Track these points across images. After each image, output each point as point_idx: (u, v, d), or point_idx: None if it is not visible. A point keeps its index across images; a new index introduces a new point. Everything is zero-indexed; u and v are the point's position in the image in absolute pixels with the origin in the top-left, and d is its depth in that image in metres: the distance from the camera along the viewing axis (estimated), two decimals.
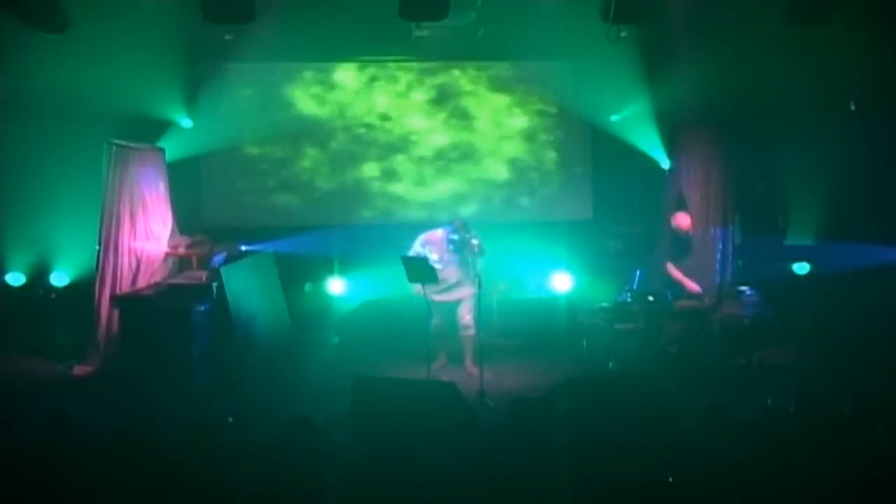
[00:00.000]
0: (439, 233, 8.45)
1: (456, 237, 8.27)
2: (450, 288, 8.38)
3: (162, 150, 9.60)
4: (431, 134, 10.99)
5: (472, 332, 8.36)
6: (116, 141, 8.61)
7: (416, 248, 8.41)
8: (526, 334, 9.56)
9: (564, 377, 7.18)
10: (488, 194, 11.04)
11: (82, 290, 9.20)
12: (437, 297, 8.20)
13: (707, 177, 8.65)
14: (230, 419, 5.45)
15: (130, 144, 8.88)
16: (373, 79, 10.94)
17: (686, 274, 8.54)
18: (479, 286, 7.84)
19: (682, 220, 8.70)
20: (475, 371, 8.07)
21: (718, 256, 8.39)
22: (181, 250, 9.26)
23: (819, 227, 10.09)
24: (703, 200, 8.61)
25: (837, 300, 9.33)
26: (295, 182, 10.92)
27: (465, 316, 8.41)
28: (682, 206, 8.88)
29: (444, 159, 11.01)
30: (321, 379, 8.22)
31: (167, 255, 9.18)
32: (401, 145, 10.98)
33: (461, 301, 8.44)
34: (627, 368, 8.21)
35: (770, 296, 8.47)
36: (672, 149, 9.75)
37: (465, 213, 10.82)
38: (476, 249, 8.07)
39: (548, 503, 4.46)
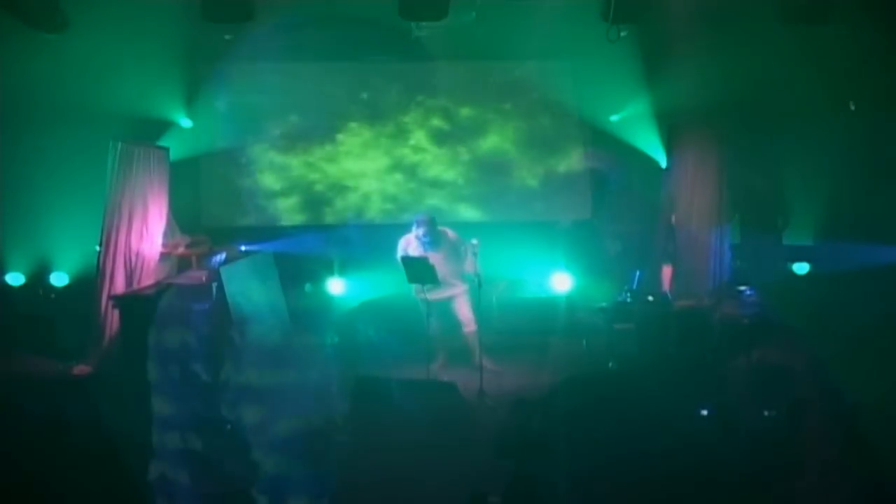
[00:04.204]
0: (411, 236, 8.34)
1: (426, 238, 8.15)
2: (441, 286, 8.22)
3: (166, 150, 9.61)
4: (430, 134, 11.00)
5: (473, 327, 8.23)
6: (123, 140, 8.60)
7: (399, 254, 8.31)
8: (526, 334, 9.55)
9: (564, 377, 7.20)
10: (488, 194, 11.04)
11: (82, 290, 9.19)
12: (430, 296, 8.06)
13: (700, 177, 8.65)
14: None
15: (136, 143, 8.87)
16: (372, 79, 10.94)
17: (675, 270, 8.55)
18: (480, 285, 7.82)
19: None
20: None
21: (713, 257, 8.39)
22: (181, 250, 9.24)
23: (819, 227, 10.08)
24: (696, 199, 8.61)
25: (837, 300, 9.32)
26: (295, 182, 10.93)
27: (465, 313, 8.27)
28: None
29: (444, 159, 11.01)
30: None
31: (163, 253, 9.17)
32: (400, 145, 10.98)
33: (454, 298, 8.30)
34: (627, 368, 8.21)
35: (770, 296, 8.46)
36: (669, 148, 9.74)
37: (464, 212, 10.85)
38: (473, 250, 7.97)
39: (548, 503, 4.46)
